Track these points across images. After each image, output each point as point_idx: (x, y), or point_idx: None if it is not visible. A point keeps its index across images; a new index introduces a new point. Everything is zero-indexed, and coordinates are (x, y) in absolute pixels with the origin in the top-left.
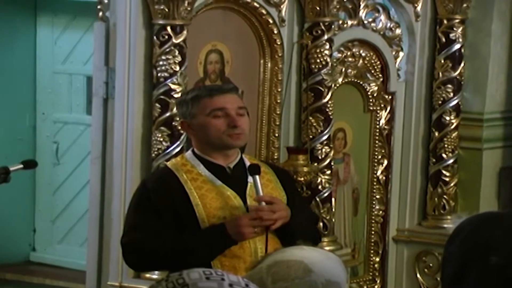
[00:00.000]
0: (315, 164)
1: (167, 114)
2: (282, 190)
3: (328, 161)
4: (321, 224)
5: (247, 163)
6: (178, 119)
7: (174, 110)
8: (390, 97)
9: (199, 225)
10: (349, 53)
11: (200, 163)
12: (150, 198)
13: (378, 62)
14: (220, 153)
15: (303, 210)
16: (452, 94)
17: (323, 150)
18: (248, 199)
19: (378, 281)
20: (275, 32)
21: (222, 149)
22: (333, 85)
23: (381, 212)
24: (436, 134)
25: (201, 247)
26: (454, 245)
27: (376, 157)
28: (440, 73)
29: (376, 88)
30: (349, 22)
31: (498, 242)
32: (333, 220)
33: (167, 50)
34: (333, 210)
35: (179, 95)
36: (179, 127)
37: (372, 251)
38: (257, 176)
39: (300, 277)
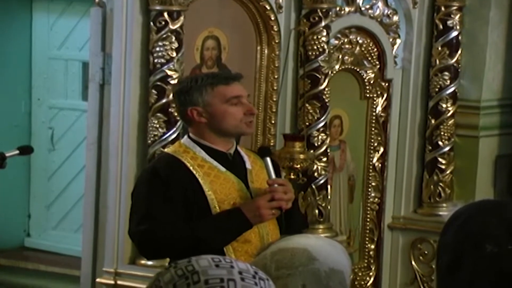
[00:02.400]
0: (311, 151)
1: (164, 101)
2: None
3: (324, 148)
4: (316, 211)
5: (241, 151)
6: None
7: (171, 96)
8: (386, 84)
9: (210, 212)
10: (346, 40)
11: (201, 149)
12: (163, 186)
13: (375, 49)
14: (223, 140)
15: None
16: (449, 81)
17: (320, 137)
18: (250, 185)
19: (373, 268)
20: (272, 18)
21: (232, 136)
22: (329, 72)
23: (376, 199)
24: (433, 121)
25: (217, 233)
26: (449, 233)
27: (372, 144)
28: (437, 61)
29: (372, 75)
30: (347, 9)
31: (493, 231)
32: (329, 207)
33: (164, 36)
34: (329, 197)
35: (175, 81)
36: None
37: (367, 239)
38: (268, 159)
39: (304, 264)
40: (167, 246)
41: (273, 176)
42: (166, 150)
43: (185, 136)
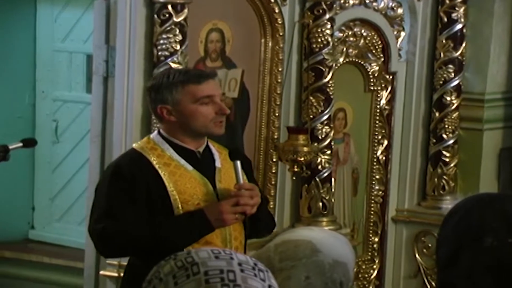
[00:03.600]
0: (315, 144)
1: None
2: (244, 175)
3: (328, 141)
4: (320, 204)
5: (212, 148)
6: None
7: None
8: (391, 77)
9: (173, 212)
10: (350, 33)
11: (170, 147)
12: (126, 184)
13: (380, 42)
14: (194, 139)
15: (261, 195)
16: (453, 74)
17: (324, 130)
18: (217, 185)
19: (377, 261)
20: (276, 11)
21: (201, 136)
22: (334, 65)
23: (380, 192)
24: (437, 114)
25: (179, 234)
26: (448, 227)
27: (376, 137)
28: (442, 53)
29: (377, 68)
30: (351, 2)
31: (492, 224)
32: (333, 200)
33: (168, 28)
34: (333, 190)
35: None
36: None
37: (371, 231)
38: (238, 162)
39: (308, 256)
40: (125, 245)
41: (241, 180)
42: (134, 145)
43: (155, 132)
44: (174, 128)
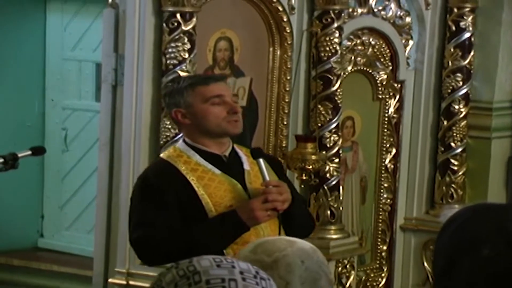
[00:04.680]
0: (324, 152)
1: None
2: (275, 176)
3: (336, 149)
4: (328, 212)
5: (239, 151)
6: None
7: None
8: (399, 85)
9: (207, 215)
10: (358, 41)
11: (196, 153)
12: (155, 192)
13: (388, 51)
14: (215, 142)
15: (295, 194)
16: (461, 83)
17: (332, 138)
18: (248, 186)
19: (385, 270)
20: (285, 19)
21: (220, 137)
22: (342, 73)
23: (389, 200)
24: (445, 123)
25: (214, 237)
26: (445, 236)
27: (384, 145)
28: (450, 62)
29: (385, 76)
30: (359, 10)
31: (489, 234)
32: (341, 208)
33: (177, 37)
34: (341, 198)
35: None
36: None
37: (379, 240)
38: (261, 159)
39: (289, 246)
40: (163, 251)
41: (267, 177)
42: (161, 155)
43: (180, 140)
44: (194, 133)
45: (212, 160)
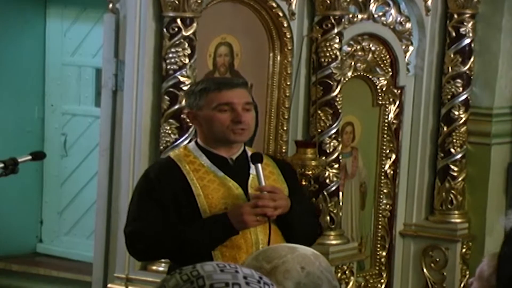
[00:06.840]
0: (323, 157)
1: (176, 107)
2: (283, 182)
3: (336, 155)
4: (328, 218)
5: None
6: (185, 107)
7: (183, 103)
8: (399, 91)
9: (201, 216)
10: (358, 47)
11: (203, 154)
12: (152, 189)
13: (388, 56)
14: (224, 146)
15: (303, 202)
16: (461, 89)
17: (331, 144)
18: (250, 190)
19: (384, 276)
20: (285, 25)
21: (226, 143)
22: (342, 79)
23: (388, 206)
24: (445, 128)
25: (203, 237)
26: (510, 245)
27: (384, 151)
28: (450, 68)
29: (385, 82)
30: (359, 16)
31: None
32: (340, 214)
33: (177, 42)
34: (341, 204)
35: (188, 87)
36: (186, 117)
37: (378, 245)
38: (259, 165)
39: (290, 252)
40: (153, 248)
41: (263, 182)
42: (170, 153)
43: (193, 141)
44: (205, 135)
45: (217, 162)
